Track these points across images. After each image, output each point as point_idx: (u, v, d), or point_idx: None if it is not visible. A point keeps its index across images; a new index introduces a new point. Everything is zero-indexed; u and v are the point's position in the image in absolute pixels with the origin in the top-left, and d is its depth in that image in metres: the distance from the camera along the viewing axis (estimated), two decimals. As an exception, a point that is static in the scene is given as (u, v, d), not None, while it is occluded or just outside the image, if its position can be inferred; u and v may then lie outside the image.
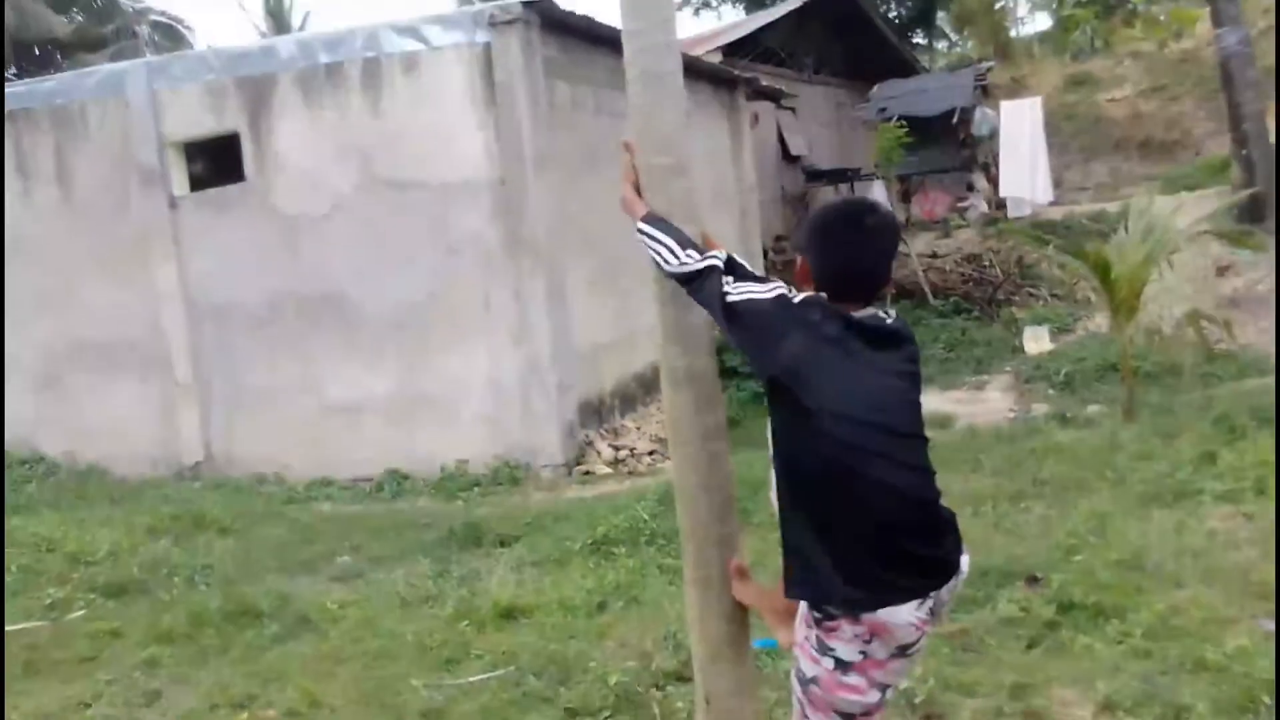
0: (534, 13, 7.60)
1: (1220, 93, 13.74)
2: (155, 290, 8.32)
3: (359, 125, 7.85)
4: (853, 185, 17.03)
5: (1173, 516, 4.59)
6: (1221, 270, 11.09)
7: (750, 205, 12.86)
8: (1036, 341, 10.25)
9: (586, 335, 8.12)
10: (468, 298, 7.72)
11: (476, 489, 7.29)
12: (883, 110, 16.75)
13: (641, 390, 9.07)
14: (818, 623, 2.05)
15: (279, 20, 31.32)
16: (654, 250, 2.26)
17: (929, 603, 2.01)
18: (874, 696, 2.08)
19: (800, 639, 2.12)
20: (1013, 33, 28.72)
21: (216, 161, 8.55)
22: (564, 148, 8.09)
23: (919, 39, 29.50)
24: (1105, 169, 18.98)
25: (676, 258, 2.21)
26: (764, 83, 14.12)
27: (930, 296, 12.53)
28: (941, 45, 31.01)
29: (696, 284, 2.17)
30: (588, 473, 7.53)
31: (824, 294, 2.09)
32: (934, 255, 14.16)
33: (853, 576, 1.98)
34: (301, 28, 31.03)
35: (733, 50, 15.60)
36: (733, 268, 2.15)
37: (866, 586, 1.97)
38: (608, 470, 7.58)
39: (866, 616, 1.98)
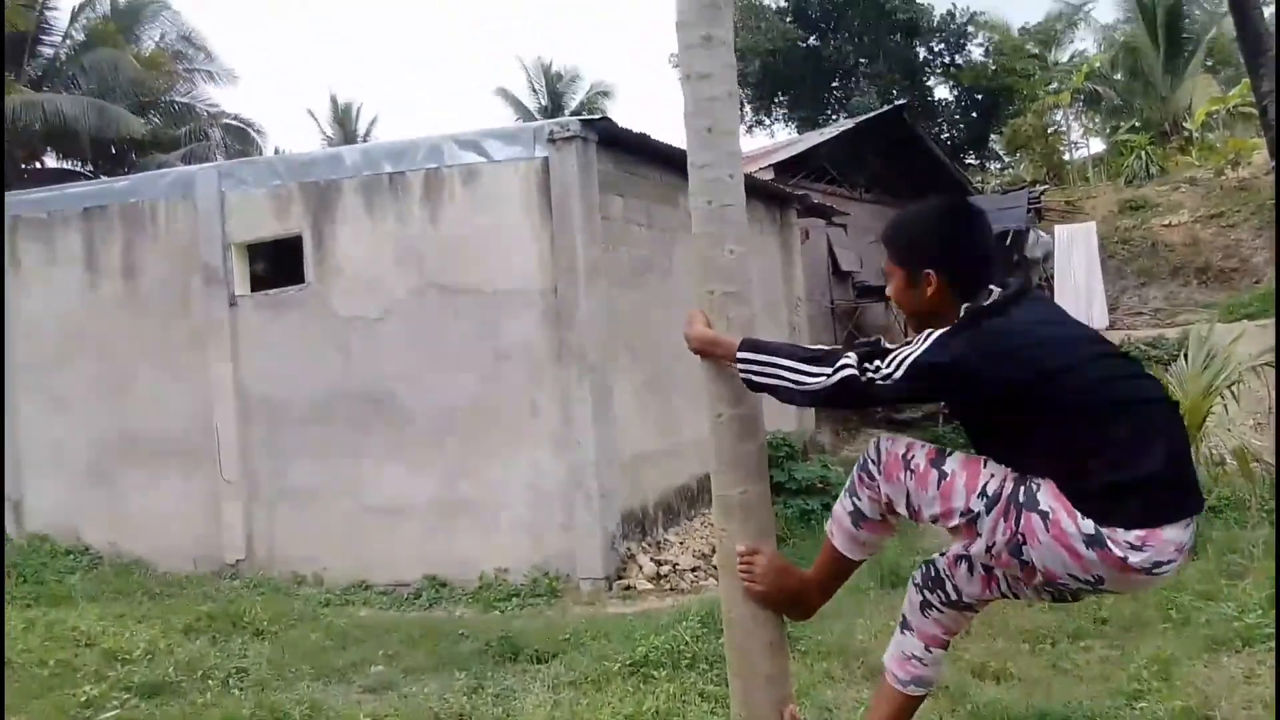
0: (592, 130, 7.80)
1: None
2: (209, 387, 8.45)
3: (417, 232, 8.03)
4: (903, 302, 16.98)
5: (1242, 663, 4.36)
6: (1285, 402, 10.79)
7: (800, 320, 12.88)
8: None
9: (631, 446, 8.07)
10: (514, 404, 7.73)
11: (515, 599, 7.16)
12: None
13: (685, 503, 8.95)
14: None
15: (345, 127, 32.65)
16: (772, 377, 2.25)
17: (1191, 527, 2.05)
18: (1072, 583, 2.07)
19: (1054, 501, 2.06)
20: (1066, 156, 28.95)
21: (277, 262, 8.77)
22: (615, 259, 8.20)
23: (971, 159, 29.85)
24: (1162, 294, 18.81)
25: (808, 376, 2.20)
26: (815, 200, 14.29)
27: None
28: (994, 166, 31.32)
29: (839, 394, 2.18)
30: (628, 587, 7.37)
31: (965, 304, 2.17)
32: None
33: (1135, 496, 2.00)
34: (367, 133, 32.33)
35: (785, 167, 15.86)
36: (863, 355, 2.17)
37: (1151, 503, 2.00)
38: (649, 585, 7.42)
39: (1149, 529, 1.99)
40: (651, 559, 7.76)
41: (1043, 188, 21.40)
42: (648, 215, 8.96)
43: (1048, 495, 2.04)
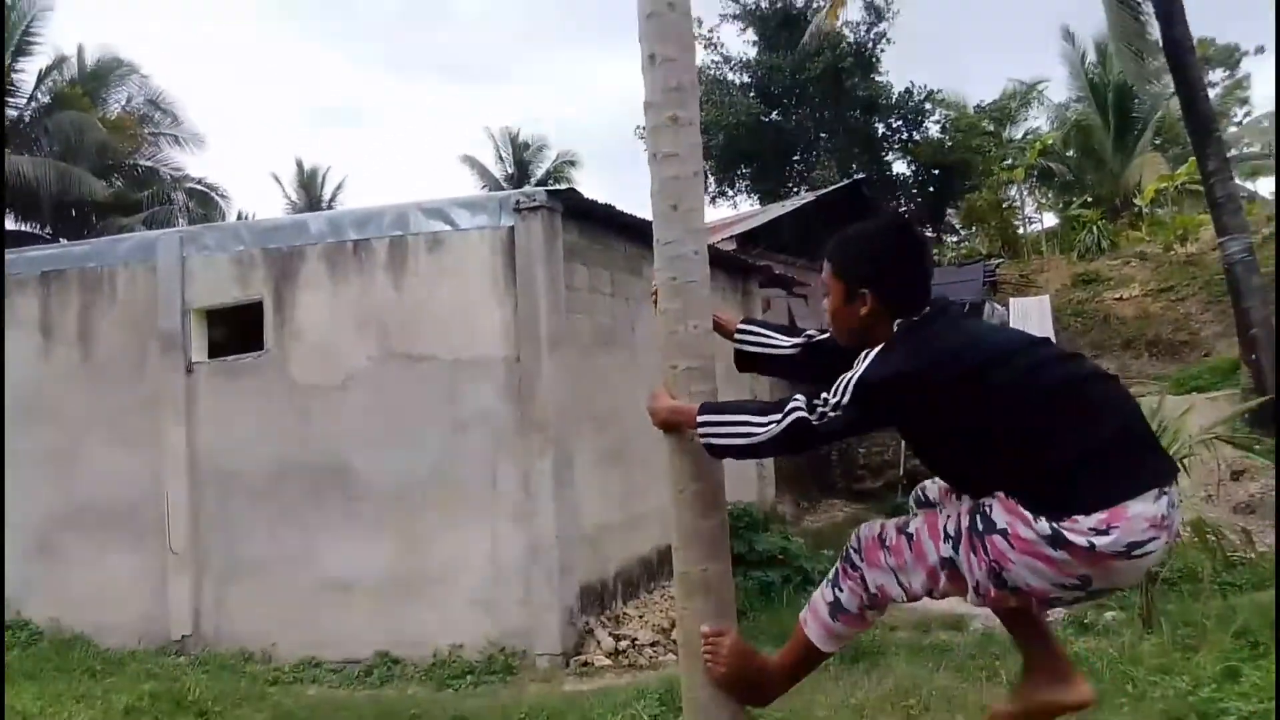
0: (558, 200, 7.86)
1: (1227, 296, 13.99)
2: (162, 456, 8.28)
3: (380, 299, 7.99)
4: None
5: (1196, 738, 4.36)
6: (1236, 475, 10.97)
7: (761, 389, 12.92)
8: (1051, 540, 10.03)
9: (591, 517, 7.99)
10: (473, 474, 7.65)
11: (469, 676, 6.97)
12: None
13: (645, 575, 8.86)
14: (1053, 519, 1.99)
15: (310, 191, 32.71)
16: (730, 437, 2.29)
17: (1165, 499, 1.98)
18: (1065, 594, 2.04)
19: (1007, 515, 2.05)
20: (1020, 230, 29.64)
21: (237, 328, 8.68)
22: (579, 328, 8.21)
23: (928, 232, 30.45)
24: (1114, 366, 19.12)
25: (760, 427, 2.23)
26: (777, 270, 14.46)
27: (941, 488, 12.40)
28: (951, 239, 31.98)
29: (792, 436, 2.20)
30: (586, 664, 7.22)
31: (898, 320, 2.23)
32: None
33: (1089, 475, 1.97)
34: (333, 198, 32.39)
35: (747, 238, 16.08)
36: (810, 394, 2.21)
37: (1107, 479, 1.96)
38: (607, 661, 7.28)
39: (1109, 509, 1.94)
40: (610, 634, 7.64)
41: (998, 261, 21.84)
42: (611, 284, 9.01)
43: (1000, 511, 2.03)
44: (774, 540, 9.09)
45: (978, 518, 2.08)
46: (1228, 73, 32.34)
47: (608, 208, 8.51)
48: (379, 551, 7.72)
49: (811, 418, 2.15)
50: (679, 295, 2.54)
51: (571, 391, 7.84)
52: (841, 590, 2.31)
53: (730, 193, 30.30)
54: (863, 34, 27.15)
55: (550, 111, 66.40)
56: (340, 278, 8.10)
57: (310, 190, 32.64)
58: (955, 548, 2.11)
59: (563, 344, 7.79)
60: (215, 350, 8.59)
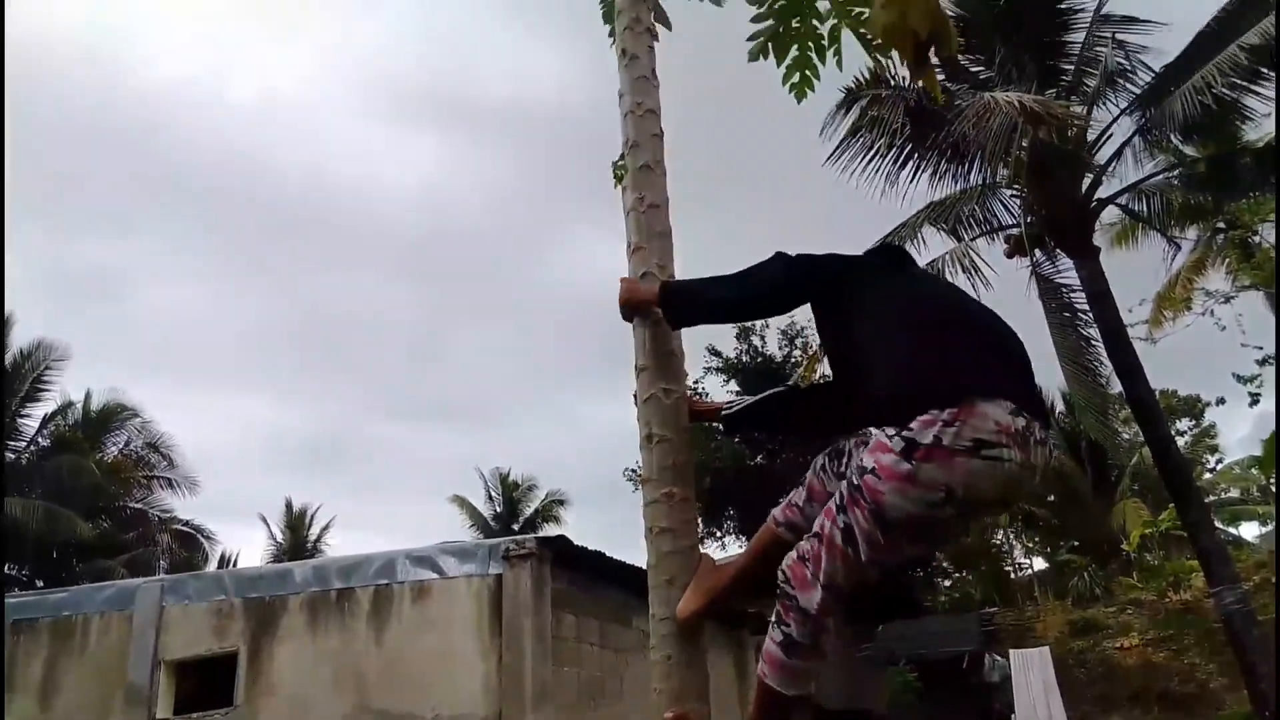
0: (547, 548, 7.85)
1: (1229, 645, 13.62)
2: (109, 825, 7.64)
3: (361, 651, 7.74)
4: (863, 727, 16.33)
5: None
6: (1273, 847, 10.15)
7: None
8: None
9: None
10: None
11: None
12: (890, 651, 16.63)
13: None
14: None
15: (298, 532, 32.55)
16: (710, 303, 2.63)
17: (1021, 418, 2.09)
18: (929, 511, 2.13)
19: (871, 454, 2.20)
20: (1012, 574, 29.41)
21: (209, 678, 8.31)
22: (565, 681, 7.89)
23: (918, 574, 30.15)
24: (1125, 723, 18.29)
25: (743, 277, 2.54)
26: (769, 619, 14.19)
27: None
28: (944, 583, 31.60)
29: (775, 269, 2.51)
30: None
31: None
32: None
33: (950, 370, 2.22)
34: (319, 538, 32.19)
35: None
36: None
37: (964, 375, 2.20)
38: None
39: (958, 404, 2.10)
40: None
41: (993, 610, 21.47)
42: (600, 634, 8.77)
43: (867, 455, 2.18)
44: None
45: (852, 475, 2.21)
46: (1193, 422, 33.56)
47: (598, 555, 8.48)
48: None
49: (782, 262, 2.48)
50: (674, 675, 2.50)
51: (556, 754, 7.39)
52: (789, 625, 2.29)
53: (718, 533, 30.27)
54: (841, 384, 28.46)
55: (539, 450, 67.79)
56: (320, 629, 7.90)
57: (298, 531, 32.48)
58: (845, 511, 2.18)
59: (548, 699, 7.45)
60: (184, 703, 8.17)
